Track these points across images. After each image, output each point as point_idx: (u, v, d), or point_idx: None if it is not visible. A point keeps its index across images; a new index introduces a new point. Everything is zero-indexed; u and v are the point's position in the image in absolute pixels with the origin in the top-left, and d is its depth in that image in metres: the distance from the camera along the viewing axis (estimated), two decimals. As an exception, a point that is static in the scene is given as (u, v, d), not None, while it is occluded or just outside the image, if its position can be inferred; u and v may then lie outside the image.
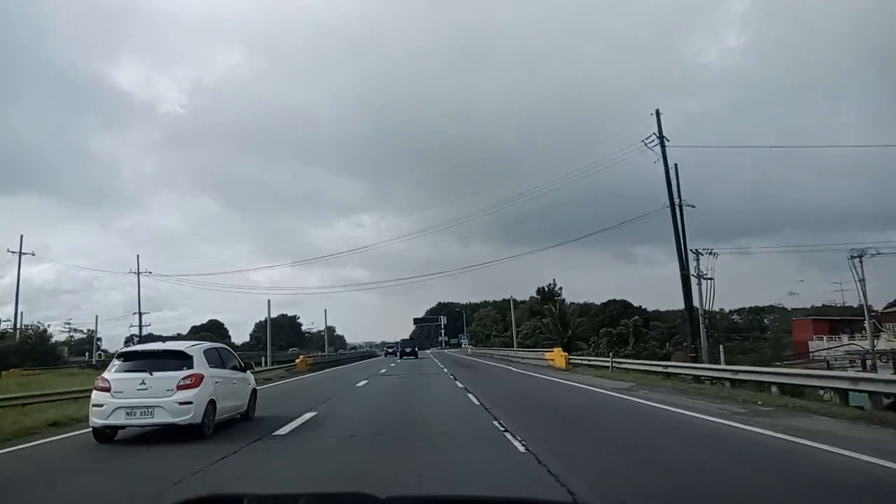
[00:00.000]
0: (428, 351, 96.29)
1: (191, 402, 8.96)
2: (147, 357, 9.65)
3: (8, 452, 8.78)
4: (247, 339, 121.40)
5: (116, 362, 9.60)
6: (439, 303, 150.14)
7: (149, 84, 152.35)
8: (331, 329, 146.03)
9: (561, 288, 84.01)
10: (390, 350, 78.00)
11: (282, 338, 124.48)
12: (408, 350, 63.35)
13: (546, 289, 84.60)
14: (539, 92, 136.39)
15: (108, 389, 9.01)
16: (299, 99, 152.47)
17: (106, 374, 9.27)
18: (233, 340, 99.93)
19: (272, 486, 6.05)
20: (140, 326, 63.37)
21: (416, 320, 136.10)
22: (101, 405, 8.94)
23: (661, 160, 27.80)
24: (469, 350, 79.31)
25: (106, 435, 9.09)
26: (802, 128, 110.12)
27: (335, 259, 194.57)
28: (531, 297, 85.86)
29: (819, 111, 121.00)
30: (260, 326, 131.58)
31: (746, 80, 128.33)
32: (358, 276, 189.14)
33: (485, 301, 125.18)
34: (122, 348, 10.70)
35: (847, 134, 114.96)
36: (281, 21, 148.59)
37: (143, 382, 8.98)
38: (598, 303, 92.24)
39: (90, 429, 9.17)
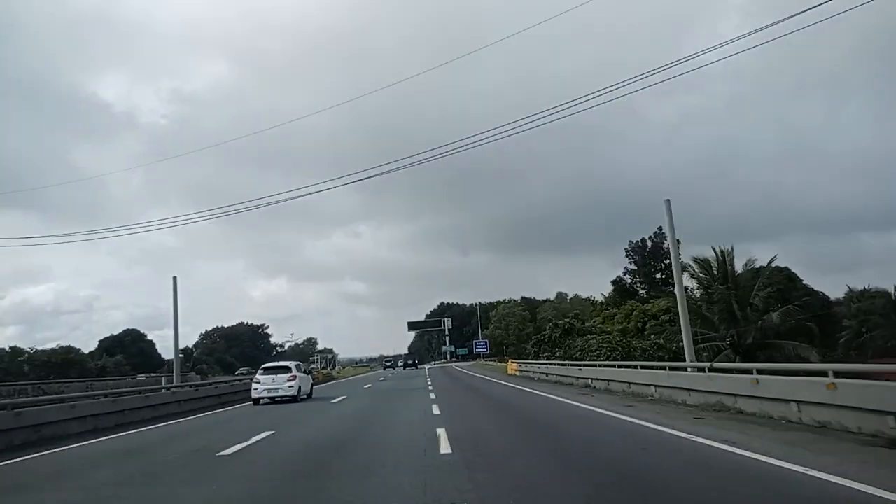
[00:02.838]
0: (426, 366, 75.41)
1: (293, 387, 21.52)
2: (274, 368, 22.31)
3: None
4: (187, 349, 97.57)
5: (261, 370, 22.26)
6: (441, 303, 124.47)
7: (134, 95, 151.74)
8: (311, 340, 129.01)
9: (679, 242, 29.87)
10: (388, 364, 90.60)
11: (237, 353, 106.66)
12: (409, 362, 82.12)
13: (647, 242, 47.91)
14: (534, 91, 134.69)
15: (259, 382, 21.63)
16: (285, 108, 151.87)
17: (258, 376, 21.91)
18: (160, 354, 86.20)
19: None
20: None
21: (411, 325, 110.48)
22: (256, 388, 21.55)
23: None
24: (513, 367, 37.30)
25: (257, 402, 21.59)
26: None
27: (330, 271, 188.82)
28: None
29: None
30: (207, 336, 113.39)
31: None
32: (355, 289, 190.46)
33: (497, 301, 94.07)
34: (264, 365, 23.21)
35: None
36: (263, 27, 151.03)
37: (273, 379, 21.59)
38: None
39: (251, 400, 21.83)
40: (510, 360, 40.37)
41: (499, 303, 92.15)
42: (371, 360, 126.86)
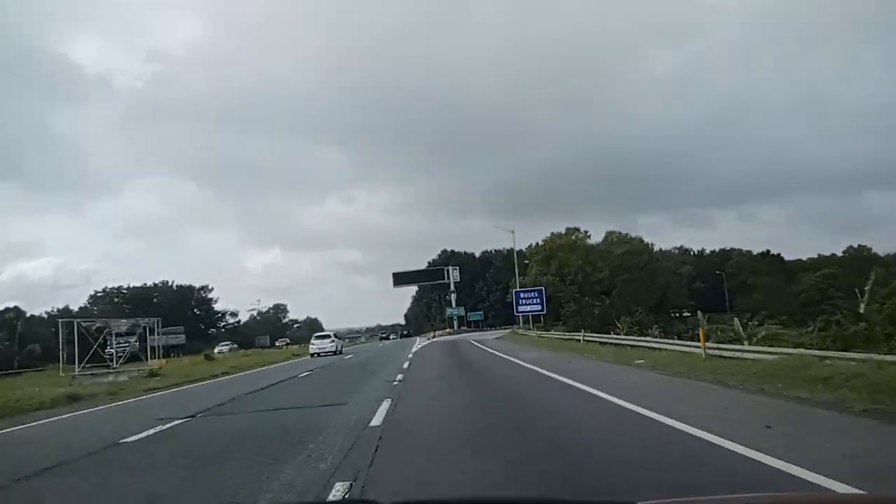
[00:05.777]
0: (416, 341, 47.65)
1: (334, 347, 38.40)
2: (322, 336, 39.69)
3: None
4: (75, 306, 70.35)
5: (315, 337, 39.64)
6: (444, 251, 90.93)
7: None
8: (279, 307, 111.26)
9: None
10: (384, 335, 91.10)
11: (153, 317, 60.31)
12: (405, 333, 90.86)
13: None
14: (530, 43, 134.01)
15: (314, 344, 38.66)
16: (271, 65, 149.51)
17: (313, 340, 39.04)
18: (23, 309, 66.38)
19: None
20: None
21: (397, 277, 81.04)
22: (312, 348, 38.53)
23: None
24: None
25: (313, 356, 38.14)
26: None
27: (324, 239, 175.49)
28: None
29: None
30: (100, 298, 78.10)
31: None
32: (351, 258, 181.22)
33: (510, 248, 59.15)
34: (316, 334, 39.85)
35: None
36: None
37: (322, 342, 38.59)
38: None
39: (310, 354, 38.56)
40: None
41: (531, 247, 57.42)
42: (369, 329, 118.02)
